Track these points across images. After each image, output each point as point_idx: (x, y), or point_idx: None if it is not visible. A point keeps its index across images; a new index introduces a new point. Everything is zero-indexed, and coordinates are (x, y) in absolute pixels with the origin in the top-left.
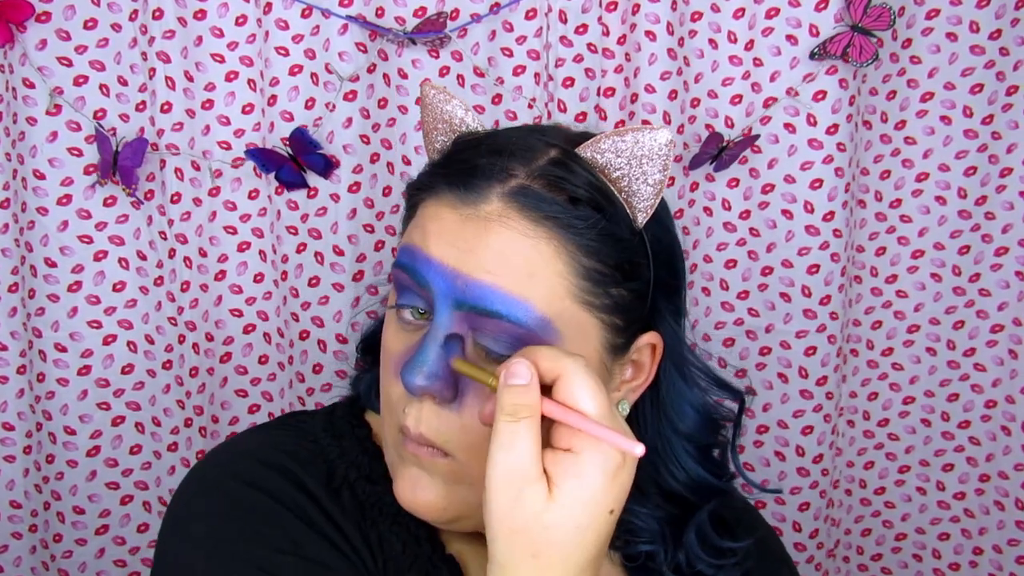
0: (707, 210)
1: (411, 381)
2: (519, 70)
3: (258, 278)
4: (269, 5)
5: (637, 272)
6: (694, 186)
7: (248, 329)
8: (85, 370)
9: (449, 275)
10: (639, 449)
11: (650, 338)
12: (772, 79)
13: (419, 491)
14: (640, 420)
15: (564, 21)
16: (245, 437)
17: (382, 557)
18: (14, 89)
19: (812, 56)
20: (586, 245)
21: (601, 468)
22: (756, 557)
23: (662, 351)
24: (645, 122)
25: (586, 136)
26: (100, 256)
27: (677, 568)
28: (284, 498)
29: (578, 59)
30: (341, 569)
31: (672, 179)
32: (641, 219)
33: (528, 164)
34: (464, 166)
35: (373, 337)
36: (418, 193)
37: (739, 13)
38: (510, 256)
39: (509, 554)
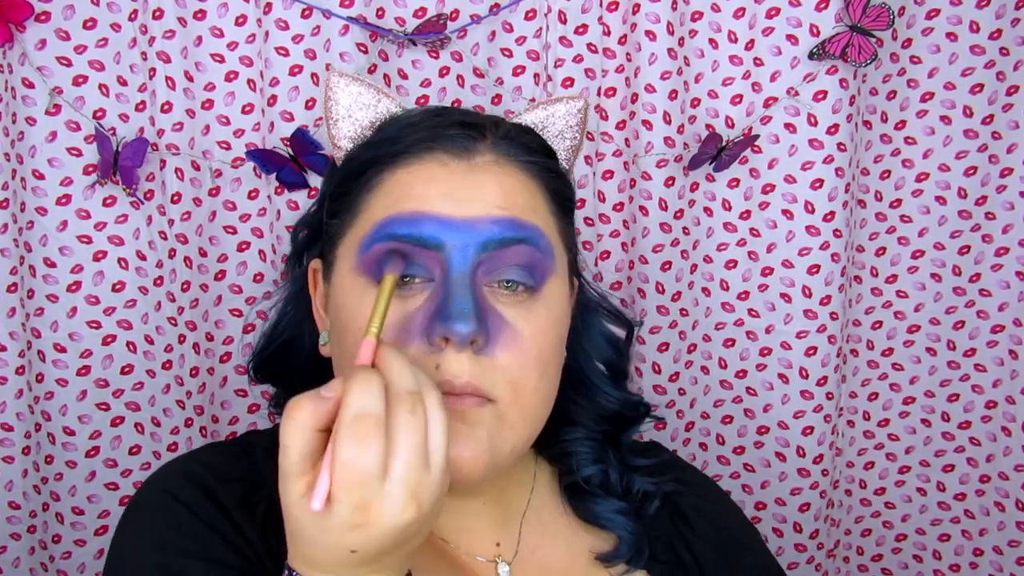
0: (707, 210)
1: (461, 329)
2: (519, 70)
3: (258, 278)
4: (269, 5)
5: (572, 211)
6: (694, 186)
7: (248, 329)
8: (84, 370)
9: (466, 225)
10: (315, 504)
11: (575, 281)
12: (772, 79)
13: (464, 450)
14: (569, 357)
15: (564, 22)
16: (188, 456)
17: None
18: (13, 89)
19: (811, 56)
20: (555, 187)
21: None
22: (674, 470)
23: (577, 292)
24: (646, 123)
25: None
26: (99, 256)
27: (611, 489)
28: (198, 510)
29: (578, 59)
30: (243, 572)
31: (672, 179)
32: (566, 166)
33: (491, 128)
34: (446, 129)
35: (271, 357)
36: (379, 165)
37: (739, 13)
38: (514, 194)
39: (286, 527)
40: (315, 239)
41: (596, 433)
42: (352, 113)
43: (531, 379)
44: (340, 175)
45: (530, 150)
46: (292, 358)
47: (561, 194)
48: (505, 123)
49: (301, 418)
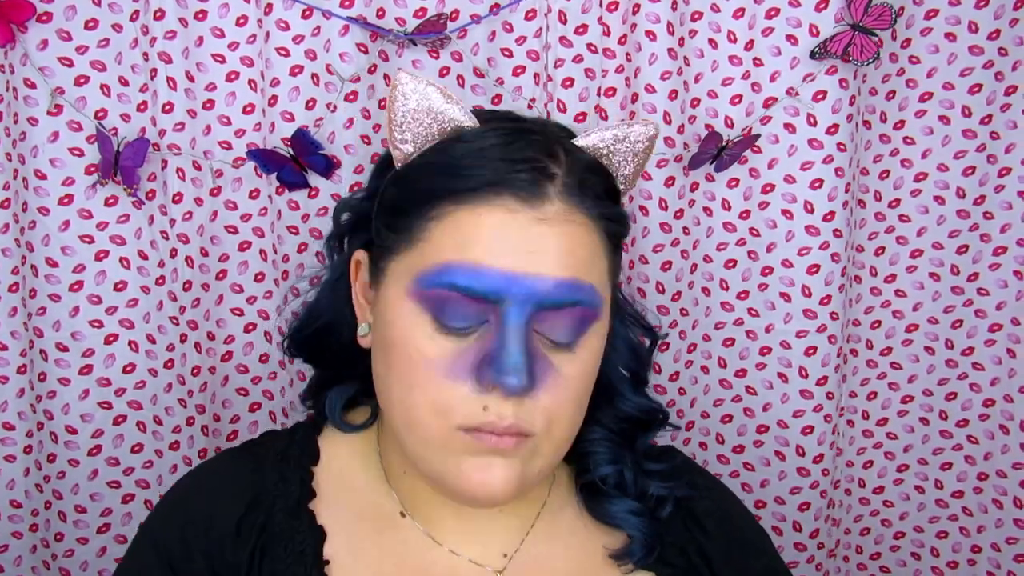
0: (707, 210)
1: (513, 383)
2: (519, 70)
3: (259, 277)
4: (270, 6)
5: (622, 245)
6: (694, 186)
7: (249, 328)
8: (87, 369)
9: (525, 282)
10: None
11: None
12: (772, 79)
13: (496, 475)
14: None
15: (564, 22)
16: (196, 477)
17: None
18: (15, 89)
19: (813, 55)
20: (613, 229)
21: None
22: (687, 474)
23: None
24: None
25: (570, 132)
26: (101, 256)
27: (623, 486)
28: (172, 556)
29: (578, 59)
30: None
31: (672, 179)
32: (624, 199)
33: (557, 160)
34: (517, 171)
35: (309, 338)
36: (449, 199)
37: (739, 13)
38: (578, 249)
39: None
40: (358, 228)
41: (614, 435)
42: (418, 117)
43: (567, 414)
44: (401, 190)
45: (597, 197)
46: (329, 341)
47: (619, 234)
48: (574, 156)
49: None
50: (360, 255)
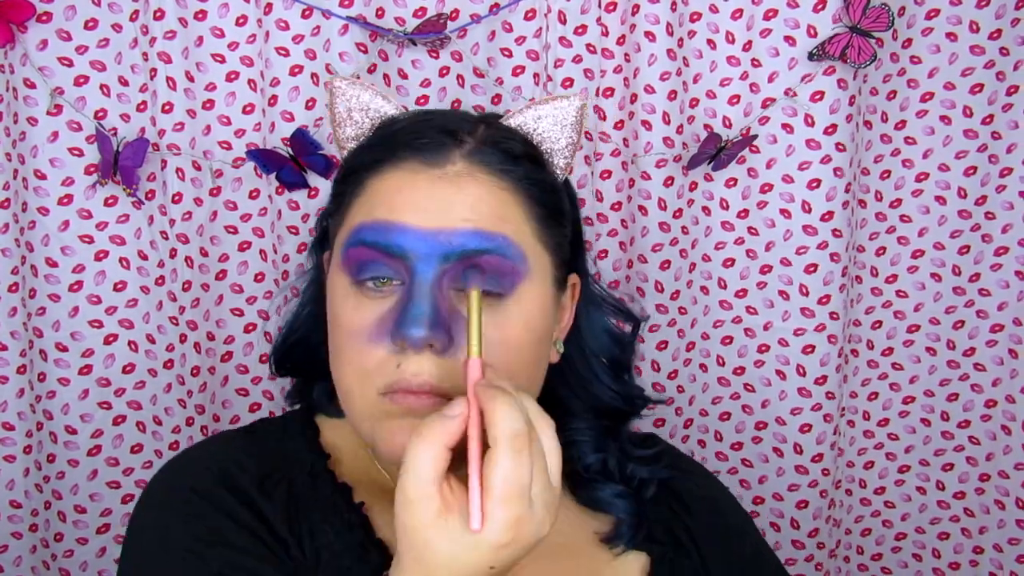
0: (705, 209)
1: (412, 333)
2: (518, 70)
3: (259, 277)
4: (269, 6)
5: (565, 219)
6: (692, 186)
7: (248, 328)
8: (86, 369)
9: (430, 235)
10: (474, 524)
11: (573, 279)
12: (770, 80)
13: None
14: (568, 352)
15: (563, 22)
16: (199, 445)
17: (312, 546)
18: (15, 89)
19: (811, 57)
20: (533, 193)
21: (501, 526)
22: (669, 458)
23: (580, 289)
24: (645, 123)
25: (501, 115)
26: (101, 256)
27: (611, 475)
28: (215, 500)
29: (577, 60)
30: (263, 556)
31: (671, 178)
32: (561, 175)
33: (471, 132)
34: (420, 137)
35: (290, 352)
36: (364, 171)
37: (737, 14)
38: (482, 204)
39: (403, 550)
40: (327, 234)
41: (596, 424)
42: (352, 116)
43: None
44: (336, 176)
45: (508, 157)
46: (312, 351)
47: (544, 199)
48: (488, 127)
49: (432, 436)
50: (327, 256)
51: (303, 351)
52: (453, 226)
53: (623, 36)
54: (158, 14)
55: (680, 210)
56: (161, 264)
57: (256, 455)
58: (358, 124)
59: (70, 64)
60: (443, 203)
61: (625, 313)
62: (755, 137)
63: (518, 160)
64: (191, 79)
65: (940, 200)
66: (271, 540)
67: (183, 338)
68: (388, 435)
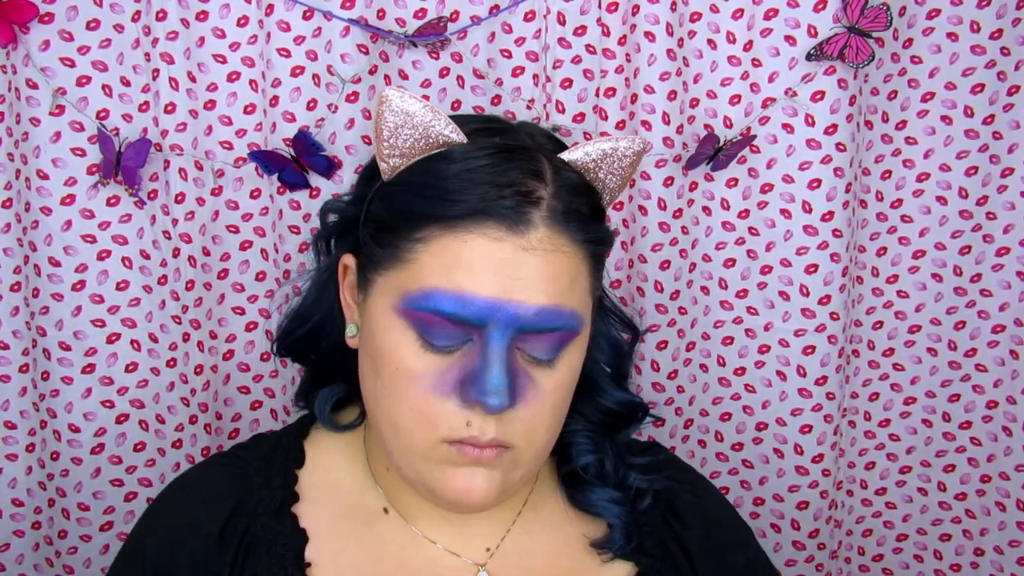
0: (706, 209)
1: (494, 403)
2: (518, 71)
3: (260, 276)
4: (271, 7)
5: (605, 258)
6: (693, 186)
7: (250, 327)
8: (89, 368)
9: (507, 308)
10: None
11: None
12: (771, 79)
13: (477, 485)
14: None
15: (563, 23)
16: (177, 482)
17: None
18: (17, 90)
19: (809, 57)
20: (598, 252)
21: None
22: (669, 469)
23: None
24: (645, 123)
25: (562, 144)
26: (104, 255)
27: (604, 476)
28: (166, 557)
29: (576, 60)
30: None
31: (671, 179)
32: (607, 201)
33: (543, 181)
34: (502, 198)
35: (299, 339)
36: (436, 224)
37: (738, 14)
38: (561, 275)
39: None
40: (345, 232)
41: (594, 426)
42: (401, 132)
43: (546, 426)
44: (388, 207)
45: (582, 221)
46: (317, 341)
47: (603, 255)
48: (560, 176)
49: None
50: (348, 260)
51: (308, 341)
52: (534, 302)
53: (623, 36)
54: (160, 15)
55: (680, 210)
56: (164, 263)
57: (234, 489)
58: (411, 142)
59: (72, 64)
60: (526, 272)
61: (629, 325)
62: (754, 137)
63: (590, 222)
64: (193, 79)
65: (941, 200)
66: None
67: (186, 337)
68: (450, 479)
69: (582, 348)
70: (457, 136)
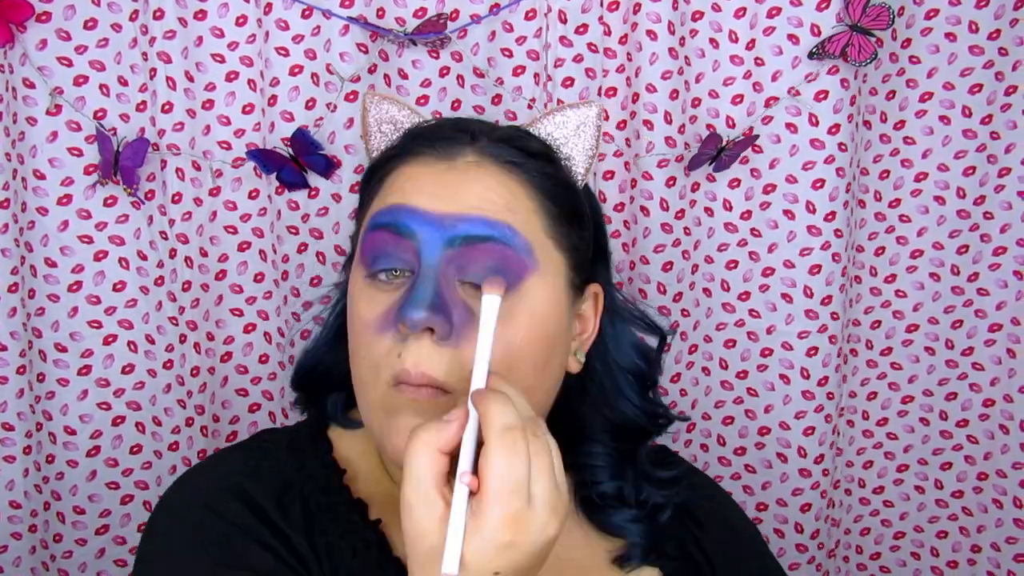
0: (708, 210)
1: (412, 314)
2: (519, 70)
3: (258, 278)
4: (269, 6)
5: (584, 222)
6: (695, 187)
7: (248, 328)
8: (85, 370)
9: (436, 219)
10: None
11: (594, 288)
12: (773, 79)
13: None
14: (591, 366)
15: (564, 21)
16: (212, 460)
17: (330, 564)
18: (14, 89)
19: (811, 56)
20: (547, 189)
21: (498, 524)
22: (688, 483)
23: (603, 301)
24: (646, 123)
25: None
26: (100, 256)
27: (626, 500)
28: (234, 518)
29: (578, 59)
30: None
31: (673, 179)
32: (581, 180)
33: (489, 133)
34: (437, 133)
35: (309, 373)
36: (384, 167)
37: (740, 12)
38: (490, 194)
39: (409, 557)
40: (353, 249)
41: (613, 448)
42: (382, 128)
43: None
44: (361, 182)
45: (522, 152)
46: (326, 375)
47: (558, 196)
48: (504, 129)
49: (428, 439)
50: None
51: (317, 372)
52: (458, 211)
53: (625, 35)
54: (158, 14)
55: (682, 211)
56: (160, 264)
57: (270, 469)
58: (387, 136)
59: (69, 64)
60: (450, 191)
61: (651, 326)
62: (756, 137)
63: (532, 156)
64: (191, 79)
65: (939, 200)
66: (293, 559)
67: (183, 338)
68: (392, 433)
69: (547, 298)
70: (419, 118)
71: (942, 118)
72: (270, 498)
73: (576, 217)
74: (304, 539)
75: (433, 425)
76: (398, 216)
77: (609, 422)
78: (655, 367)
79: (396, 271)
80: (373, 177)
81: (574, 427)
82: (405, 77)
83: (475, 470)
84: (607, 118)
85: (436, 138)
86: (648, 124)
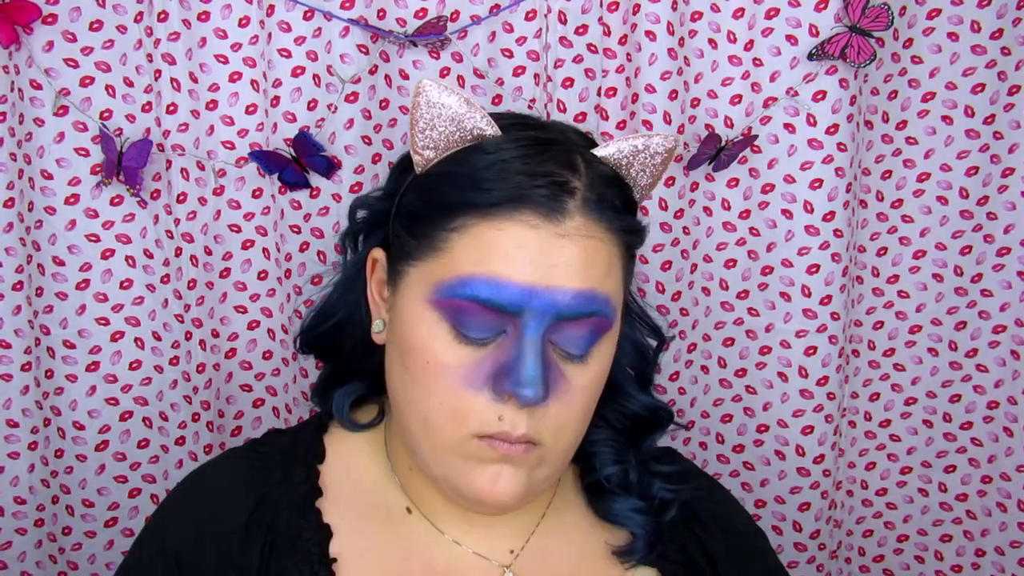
0: (707, 210)
1: (529, 395)
2: (519, 71)
3: (262, 275)
4: (272, 7)
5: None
6: (694, 186)
7: (252, 325)
8: (93, 366)
9: (545, 294)
10: None
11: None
12: (772, 79)
13: (503, 483)
14: None
15: (564, 22)
16: (198, 474)
17: None
18: (21, 90)
19: (810, 57)
20: (631, 243)
21: None
22: (692, 478)
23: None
24: (646, 123)
25: (582, 133)
26: (108, 254)
27: (627, 486)
28: (190, 545)
29: (577, 60)
30: None
31: (672, 179)
32: (638, 199)
33: (579, 173)
34: (538, 187)
35: (322, 335)
36: (471, 213)
37: (739, 13)
38: (597, 261)
39: None
40: (375, 226)
41: (619, 434)
42: (436, 126)
43: (575, 424)
44: (422, 197)
45: (615, 210)
46: (342, 337)
47: (636, 247)
48: (594, 169)
49: None
50: (377, 253)
51: (331, 337)
52: (571, 286)
53: (624, 36)
54: (162, 16)
55: (681, 210)
56: (166, 262)
57: (253, 483)
58: (446, 134)
59: (75, 65)
60: (562, 258)
61: (654, 330)
62: (756, 137)
63: (623, 210)
64: (195, 80)
65: (942, 200)
66: None
67: (188, 335)
68: (477, 476)
69: (612, 344)
70: (492, 129)
71: (944, 118)
72: (242, 515)
73: (635, 255)
74: (259, 560)
75: None
76: (504, 294)
77: (613, 413)
78: (652, 366)
79: (489, 337)
80: (452, 211)
81: None
82: (406, 78)
83: None
84: (605, 117)
85: (539, 195)
86: (647, 124)
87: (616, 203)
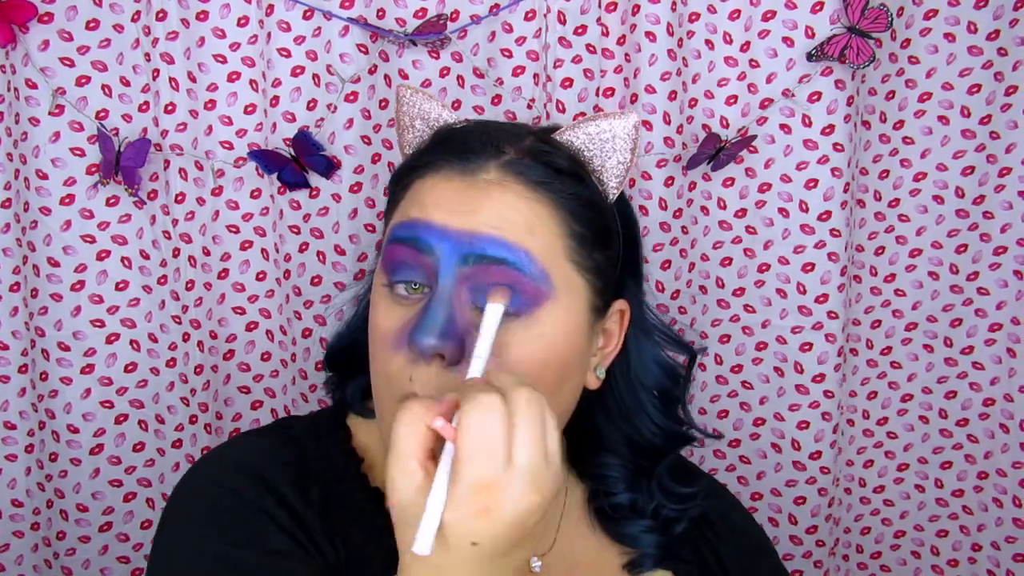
0: (704, 209)
1: (422, 341)
2: (518, 71)
3: (260, 276)
4: (271, 7)
5: (612, 240)
6: (692, 185)
7: (251, 326)
8: (88, 369)
9: (453, 235)
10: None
11: (620, 305)
12: (768, 80)
13: None
14: (613, 381)
15: (563, 22)
16: (233, 443)
17: (344, 551)
18: (16, 89)
19: (810, 58)
20: (573, 210)
21: (469, 489)
22: (705, 495)
23: (629, 317)
24: (646, 123)
25: (556, 128)
26: (103, 255)
27: (641, 511)
28: (252, 499)
29: (577, 60)
30: (298, 558)
31: (671, 179)
32: (612, 194)
33: (515, 144)
34: (461, 145)
35: (341, 352)
36: (409, 175)
37: (735, 15)
38: (511, 214)
39: (394, 520)
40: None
41: (630, 461)
42: (414, 124)
43: None
44: (390, 180)
45: (548, 171)
46: (357, 354)
47: (585, 217)
48: (535, 140)
49: (414, 413)
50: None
51: (349, 352)
52: (476, 229)
53: (623, 36)
54: (160, 15)
55: (680, 210)
56: (163, 263)
57: (290, 454)
58: (419, 132)
59: (72, 64)
60: (469, 208)
61: (679, 344)
62: (754, 137)
63: (559, 174)
64: (193, 79)
65: (938, 199)
66: (308, 542)
67: (186, 337)
68: None
69: (563, 328)
70: (448, 114)
71: (941, 118)
72: (288, 481)
73: (603, 236)
74: (320, 522)
75: (424, 400)
76: (417, 231)
77: (626, 436)
78: (682, 386)
79: (415, 284)
80: (398, 184)
81: (591, 437)
82: (405, 77)
83: None
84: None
85: (461, 150)
86: (647, 124)
87: (550, 164)
